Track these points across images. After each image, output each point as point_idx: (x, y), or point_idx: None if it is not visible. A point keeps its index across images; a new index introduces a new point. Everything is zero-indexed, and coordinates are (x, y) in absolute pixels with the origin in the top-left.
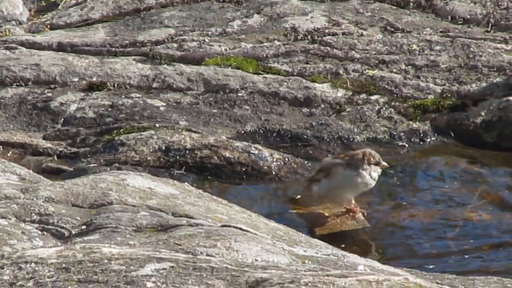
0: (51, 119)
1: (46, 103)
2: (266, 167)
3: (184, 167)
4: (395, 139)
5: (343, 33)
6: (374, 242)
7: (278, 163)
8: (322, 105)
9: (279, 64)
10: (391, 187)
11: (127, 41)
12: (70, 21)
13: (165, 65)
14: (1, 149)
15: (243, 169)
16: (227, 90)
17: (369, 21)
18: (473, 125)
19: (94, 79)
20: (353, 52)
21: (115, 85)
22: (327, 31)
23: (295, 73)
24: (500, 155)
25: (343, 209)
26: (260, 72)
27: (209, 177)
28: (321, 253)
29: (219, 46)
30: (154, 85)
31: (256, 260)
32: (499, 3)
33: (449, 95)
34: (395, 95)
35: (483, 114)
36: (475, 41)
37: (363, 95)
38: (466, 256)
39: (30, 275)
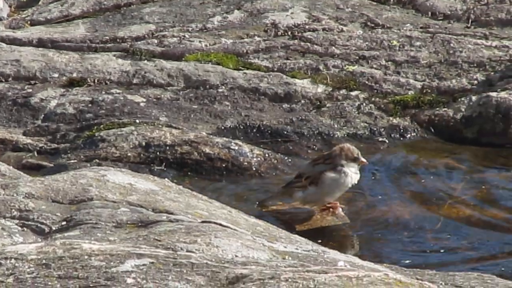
0: (31, 115)
1: (26, 99)
2: (246, 163)
3: (164, 163)
4: (375, 134)
5: (323, 29)
6: (354, 238)
7: (258, 159)
8: (302, 101)
9: (259, 60)
10: (371, 182)
11: (107, 37)
12: (50, 17)
13: (146, 61)
14: None
15: (223, 165)
16: (207, 86)
17: (349, 17)
18: (453, 121)
19: (74, 75)
20: (333, 48)
21: (95, 81)
22: (307, 27)
23: (275, 69)
24: (480, 151)
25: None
26: (240, 68)
27: (189, 173)
28: (301, 249)
29: (200, 42)
30: (135, 81)
31: (236, 256)
32: None
33: (429, 90)
34: (375, 90)
35: (463, 109)
36: (455, 37)
37: (343, 91)
38: (446, 252)
39: (10, 271)
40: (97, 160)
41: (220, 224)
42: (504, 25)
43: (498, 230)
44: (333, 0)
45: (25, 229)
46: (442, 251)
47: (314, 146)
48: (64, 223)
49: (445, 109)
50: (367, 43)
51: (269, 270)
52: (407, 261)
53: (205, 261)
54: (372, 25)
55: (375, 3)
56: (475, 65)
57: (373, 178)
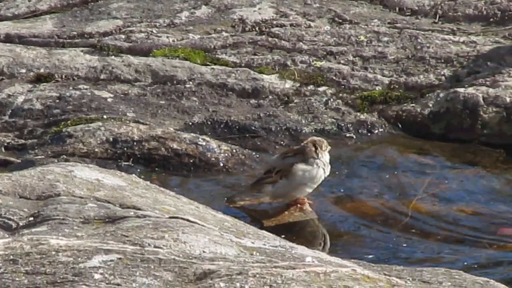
0: None
1: None
2: (213, 159)
3: (131, 159)
4: (343, 130)
5: (291, 25)
6: (322, 233)
7: (226, 154)
8: (270, 97)
9: (227, 55)
10: (339, 178)
11: (75, 33)
12: (17, 12)
13: (113, 57)
14: None
15: (191, 161)
16: (175, 82)
17: (316, 12)
18: (420, 116)
19: (42, 70)
20: (301, 43)
21: (63, 76)
22: (275, 22)
23: (243, 65)
24: (448, 146)
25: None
26: (208, 63)
27: (156, 169)
28: (268, 244)
29: (167, 37)
30: (102, 76)
31: (203, 251)
32: None
33: (396, 86)
34: (343, 86)
35: (430, 105)
36: (422, 33)
37: (311, 87)
38: (414, 247)
39: None
40: (65, 156)
41: (188, 220)
42: (471, 21)
43: (465, 226)
44: None
45: None
46: (409, 246)
47: (282, 142)
48: (31, 218)
49: (413, 104)
50: (334, 38)
51: (236, 265)
52: (375, 257)
53: (172, 256)
54: (340, 20)
55: None
56: (442, 60)
57: (340, 173)
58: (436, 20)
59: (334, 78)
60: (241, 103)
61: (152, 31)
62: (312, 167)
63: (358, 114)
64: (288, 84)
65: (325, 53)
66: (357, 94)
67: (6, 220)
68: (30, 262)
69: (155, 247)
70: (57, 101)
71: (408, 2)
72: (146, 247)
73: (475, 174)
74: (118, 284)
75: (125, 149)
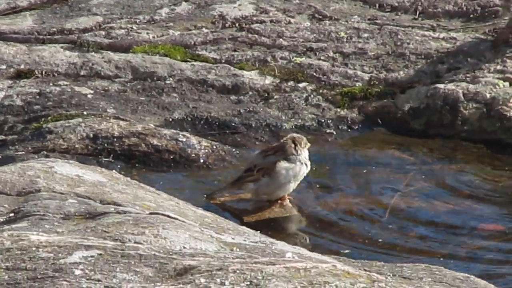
0: None
1: None
2: (194, 155)
3: (112, 155)
4: (323, 126)
5: (271, 21)
6: (302, 229)
7: (206, 150)
8: (250, 93)
9: (207, 51)
10: (319, 174)
11: (55, 29)
12: None
13: (93, 53)
14: None
15: (171, 157)
16: (155, 78)
17: (296, 8)
18: (400, 113)
19: (22, 66)
20: (281, 39)
21: (43, 72)
22: (255, 18)
23: (223, 61)
24: (428, 142)
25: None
26: (188, 59)
27: (137, 165)
28: (249, 240)
29: (147, 33)
30: (82, 72)
31: (184, 247)
32: None
33: (376, 82)
34: (323, 82)
35: (410, 101)
36: (402, 29)
37: (291, 83)
38: (394, 243)
39: None
40: (45, 152)
41: (168, 216)
42: (451, 17)
43: (445, 222)
44: None
45: None
46: (390, 242)
47: (262, 138)
48: (11, 214)
49: (393, 100)
50: (314, 35)
51: (217, 261)
52: (355, 253)
53: (153, 252)
54: (320, 17)
55: None
56: (422, 56)
57: (320, 169)
58: (416, 17)
59: (314, 74)
60: (221, 99)
61: (132, 28)
62: (295, 164)
63: (338, 110)
64: (268, 80)
65: (305, 49)
66: (337, 90)
67: None
68: (11, 258)
69: (135, 243)
70: (38, 97)
71: None
72: (127, 243)
73: (455, 170)
74: (99, 280)
75: (106, 145)
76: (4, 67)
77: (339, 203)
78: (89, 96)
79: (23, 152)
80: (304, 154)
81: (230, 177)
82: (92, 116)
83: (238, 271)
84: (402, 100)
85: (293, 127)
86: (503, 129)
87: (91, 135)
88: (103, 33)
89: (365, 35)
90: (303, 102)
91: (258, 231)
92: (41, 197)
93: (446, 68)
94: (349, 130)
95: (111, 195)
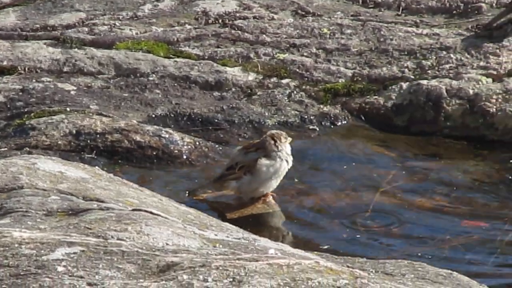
0: None
1: None
2: (176, 151)
3: (94, 151)
4: (306, 122)
5: (254, 17)
6: (285, 225)
7: (189, 146)
8: (233, 89)
9: (190, 48)
10: (302, 170)
11: (38, 25)
12: None
13: (76, 49)
14: None
15: (154, 153)
16: (138, 74)
17: (280, 5)
18: (383, 109)
19: (5, 63)
20: (264, 36)
21: (26, 69)
22: (238, 15)
23: (206, 57)
24: (411, 139)
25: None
26: (171, 56)
27: (119, 161)
28: (232, 237)
29: (130, 30)
30: (65, 69)
31: (167, 244)
32: None
33: (360, 78)
34: (306, 78)
35: (393, 97)
36: (386, 25)
37: (274, 79)
38: (377, 240)
39: None
40: (28, 148)
41: (151, 212)
42: (434, 13)
43: (429, 218)
44: None
45: None
46: (372, 239)
47: (245, 134)
48: None
49: (376, 97)
50: (297, 31)
51: (200, 258)
52: (338, 249)
53: (135, 249)
54: (303, 13)
55: None
56: (405, 53)
57: (303, 166)
58: (399, 13)
59: (297, 70)
60: (204, 95)
61: (115, 24)
62: (275, 161)
63: (321, 106)
64: (251, 76)
65: (288, 45)
66: (320, 87)
67: None
68: None
69: (118, 239)
70: (20, 93)
71: None
72: (109, 239)
73: (438, 166)
74: (81, 277)
75: (88, 141)
76: None
77: (322, 199)
78: (72, 92)
79: (6, 149)
80: (285, 149)
81: (212, 174)
82: (75, 113)
83: (221, 268)
84: (385, 97)
85: (276, 123)
86: (486, 125)
87: (74, 132)
88: (86, 29)
89: (348, 31)
90: (286, 98)
91: (241, 228)
92: (24, 194)
93: (429, 64)
94: (332, 126)
95: (94, 192)
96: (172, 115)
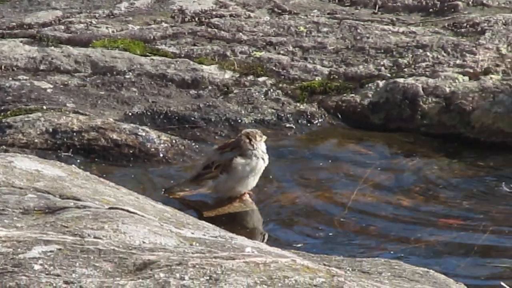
0: None
1: None
2: (153, 149)
3: (71, 149)
4: (283, 120)
5: (231, 15)
6: (262, 224)
7: (166, 145)
8: (210, 87)
9: (166, 46)
10: (279, 169)
11: (14, 23)
12: None
13: (52, 47)
14: None
15: (131, 151)
16: (115, 72)
17: (256, 3)
18: (360, 107)
19: None
20: (241, 34)
21: (2, 67)
22: (214, 13)
23: (182, 55)
24: (387, 137)
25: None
26: (147, 54)
27: (96, 159)
28: (208, 235)
29: (107, 28)
30: (42, 67)
31: (143, 242)
32: None
33: (336, 76)
34: (283, 76)
35: (370, 95)
36: (362, 23)
37: (251, 77)
38: (354, 238)
39: None
40: (4, 147)
41: (128, 211)
42: (411, 11)
43: (405, 216)
44: None
45: None
46: (349, 237)
47: (222, 132)
48: None
49: (352, 95)
50: (274, 29)
51: (176, 256)
52: (315, 247)
53: (112, 247)
54: (279, 11)
55: None
56: (382, 51)
57: (280, 164)
58: (376, 11)
59: (274, 68)
60: (180, 93)
61: (91, 22)
62: (251, 160)
63: (298, 104)
64: (228, 74)
65: (264, 43)
66: (297, 85)
67: None
68: None
69: (94, 237)
70: None
71: None
72: (86, 237)
73: (415, 164)
74: (58, 275)
75: (65, 139)
76: None
77: (298, 197)
78: (48, 90)
79: None
80: (260, 147)
81: (189, 172)
82: (52, 111)
83: (197, 266)
84: (362, 95)
85: (253, 121)
86: (462, 123)
87: (51, 130)
88: (63, 27)
89: (325, 29)
90: (262, 96)
91: (218, 226)
92: (0, 192)
93: (405, 63)
94: (308, 124)
95: (71, 190)
96: (149, 113)
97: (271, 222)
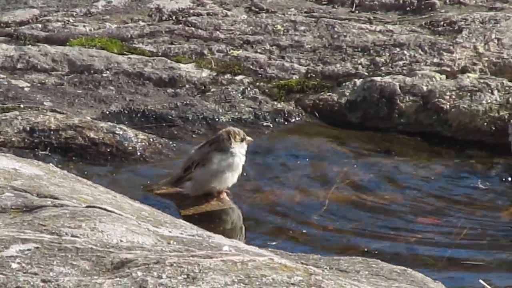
0: None
1: None
2: (131, 148)
3: (48, 148)
4: (260, 119)
5: (208, 14)
6: (239, 222)
7: (143, 143)
8: (187, 86)
9: (143, 44)
10: (256, 167)
11: None
12: None
13: (30, 46)
14: None
15: (108, 150)
16: (92, 71)
17: (233, 1)
18: (337, 106)
19: None
20: (218, 32)
21: None
22: (191, 11)
23: (159, 54)
24: (365, 135)
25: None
26: (124, 52)
27: (73, 158)
28: (186, 233)
29: (84, 26)
30: (19, 65)
31: (121, 240)
32: None
33: (313, 75)
34: (260, 75)
35: (347, 94)
36: (339, 22)
37: (228, 76)
38: (331, 237)
39: None
40: None
41: (105, 209)
42: (388, 10)
43: (382, 214)
44: None
45: None
46: (327, 236)
47: (199, 131)
48: None
49: (330, 93)
50: (251, 27)
51: (154, 255)
52: (292, 246)
53: (90, 246)
54: (257, 9)
55: None
56: (359, 49)
57: (257, 162)
58: (353, 9)
59: (251, 67)
60: (158, 92)
61: (68, 20)
62: (227, 156)
63: (275, 103)
64: (205, 73)
65: (242, 42)
66: (274, 83)
67: None
68: None
69: (72, 236)
70: None
71: None
72: (64, 236)
73: (392, 163)
74: (36, 273)
75: (42, 138)
76: None
77: (276, 196)
78: (25, 89)
79: None
80: (238, 148)
81: (169, 176)
82: (29, 109)
83: (175, 264)
84: (339, 93)
85: (230, 120)
86: (439, 121)
87: (28, 128)
88: (40, 26)
89: (302, 28)
90: (240, 95)
91: (195, 225)
92: None
93: (382, 61)
94: (286, 123)
95: (48, 189)
96: (126, 112)
97: (248, 221)
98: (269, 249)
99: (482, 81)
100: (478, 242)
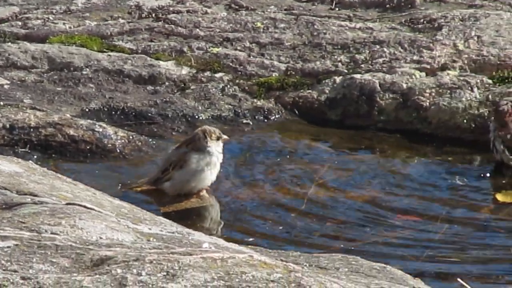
0: None
1: None
2: (110, 145)
3: (28, 145)
4: (240, 116)
5: (188, 11)
6: (219, 220)
7: (123, 141)
8: (167, 83)
9: (123, 42)
10: (236, 165)
11: None
12: None
13: (9, 43)
14: None
15: (88, 147)
16: (72, 68)
17: None
18: (317, 103)
19: None
20: (198, 30)
21: None
22: (171, 9)
23: (139, 51)
24: (344, 133)
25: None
26: (104, 50)
27: (53, 155)
28: (166, 230)
29: (64, 24)
30: None
31: (100, 238)
32: None
33: (293, 72)
34: (240, 72)
35: (327, 91)
36: (319, 19)
37: (208, 73)
38: (311, 234)
39: None
40: None
41: (85, 206)
42: (367, 7)
43: (362, 212)
44: None
45: None
46: (306, 233)
47: (179, 128)
48: None
49: (309, 91)
50: (231, 25)
51: (133, 252)
52: (272, 243)
53: (69, 243)
54: (236, 7)
55: None
56: (339, 47)
57: (237, 160)
58: (333, 7)
59: (230, 64)
60: (137, 89)
61: (48, 18)
62: (204, 155)
63: (255, 100)
64: (185, 70)
65: (221, 39)
66: (254, 81)
67: None
68: None
69: (52, 233)
70: None
71: None
72: (43, 233)
73: (372, 160)
74: (15, 271)
75: (22, 135)
76: None
77: (256, 193)
78: (5, 86)
79: None
80: (214, 146)
81: (148, 176)
82: (9, 107)
83: (154, 262)
84: (319, 91)
85: (210, 117)
86: (419, 119)
87: (8, 126)
88: (20, 23)
89: (282, 25)
90: (219, 92)
91: (175, 222)
92: None
93: (362, 58)
94: (265, 120)
95: (28, 186)
96: (106, 109)
97: (228, 218)
98: (249, 246)
99: (462, 78)
100: (458, 239)
